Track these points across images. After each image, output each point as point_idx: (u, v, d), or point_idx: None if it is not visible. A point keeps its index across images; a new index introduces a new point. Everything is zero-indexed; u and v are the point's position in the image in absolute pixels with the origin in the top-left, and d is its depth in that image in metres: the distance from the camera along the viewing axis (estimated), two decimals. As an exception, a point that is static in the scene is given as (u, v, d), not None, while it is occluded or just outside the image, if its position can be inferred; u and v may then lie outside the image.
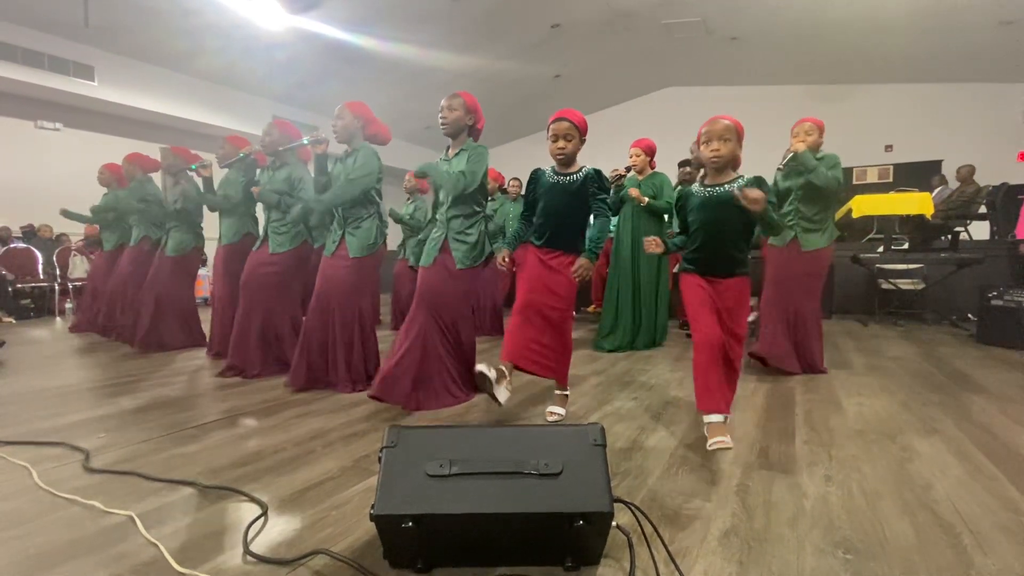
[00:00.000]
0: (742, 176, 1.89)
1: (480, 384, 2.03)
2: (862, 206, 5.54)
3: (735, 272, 1.92)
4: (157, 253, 4.12)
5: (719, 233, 1.88)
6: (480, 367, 2.00)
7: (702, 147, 1.89)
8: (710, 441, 1.72)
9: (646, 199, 3.73)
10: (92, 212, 4.91)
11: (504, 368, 2.06)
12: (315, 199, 2.73)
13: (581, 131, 2.14)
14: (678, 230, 2.11)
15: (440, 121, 2.37)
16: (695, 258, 1.95)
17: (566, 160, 2.17)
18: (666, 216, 3.96)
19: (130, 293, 4.45)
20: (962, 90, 8.34)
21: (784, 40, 7.77)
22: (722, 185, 1.89)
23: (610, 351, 3.79)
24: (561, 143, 2.11)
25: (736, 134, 1.86)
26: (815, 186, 2.92)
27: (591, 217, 2.21)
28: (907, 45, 7.35)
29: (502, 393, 2.03)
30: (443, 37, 7.26)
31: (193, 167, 3.62)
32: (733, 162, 1.90)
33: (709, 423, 1.79)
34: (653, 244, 1.99)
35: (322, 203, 2.68)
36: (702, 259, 1.93)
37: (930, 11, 6.46)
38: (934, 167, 8.27)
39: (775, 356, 3.09)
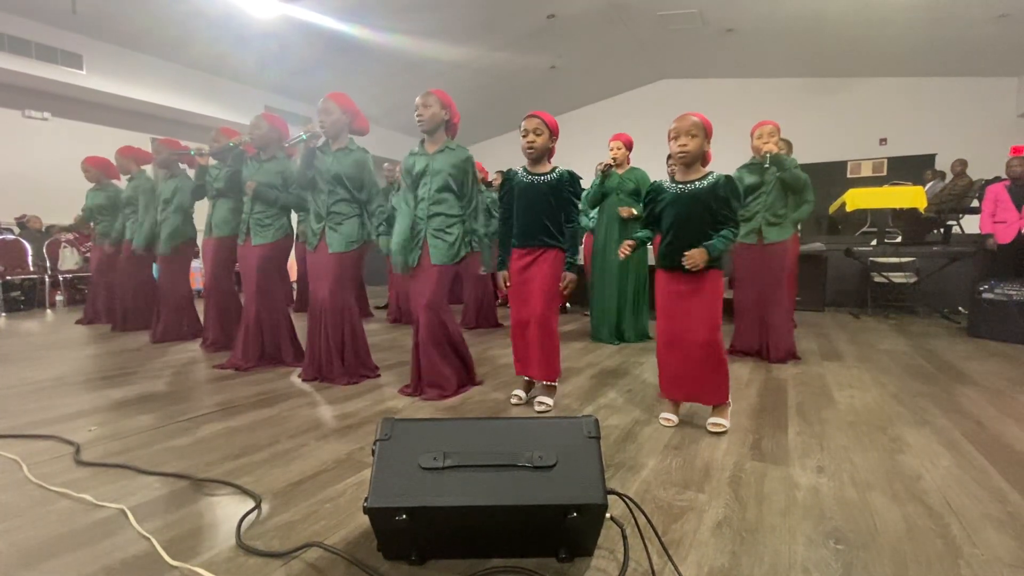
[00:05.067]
0: (712, 172, 1.96)
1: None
2: (856, 199, 5.56)
3: (708, 266, 1.97)
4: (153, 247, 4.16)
5: (691, 229, 1.93)
6: (514, 400, 2.37)
7: (670, 143, 1.94)
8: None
9: (635, 212, 3.72)
10: (86, 212, 4.90)
11: (526, 383, 2.42)
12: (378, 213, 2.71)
13: (551, 128, 2.23)
14: (642, 223, 2.17)
15: (416, 119, 2.37)
16: (668, 254, 2.00)
17: (536, 156, 2.24)
18: None
19: (130, 286, 4.49)
20: (956, 84, 8.36)
21: (780, 32, 7.75)
22: (693, 182, 1.95)
23: (599, 343, 3.83)
24: (531, 137, 2.20)
25: (704, 131, 1.91)
26: (786, 183, 3.11)
27: (564, 218, 2.28)
28: (903, 38, 7.35)
29: (541, 396, 2.31)
30: (438, 27, 7.19)
31: (191, 151, 3.59)
32: (702, 158, 1.96)
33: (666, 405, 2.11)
34: (626, 248, 2.06)
35: (377, 215, 2.71)
36: (671, 255, 1.98)
37: (927, 4, 6.45)
38: (928, 161, 8.30)
39: (751, 349, 3.28)
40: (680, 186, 1.97)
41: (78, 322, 5.07)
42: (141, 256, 4.39)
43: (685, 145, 1.89)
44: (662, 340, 2.05)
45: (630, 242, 2.07)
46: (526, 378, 2.39)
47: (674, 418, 2.05)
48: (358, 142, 2.75)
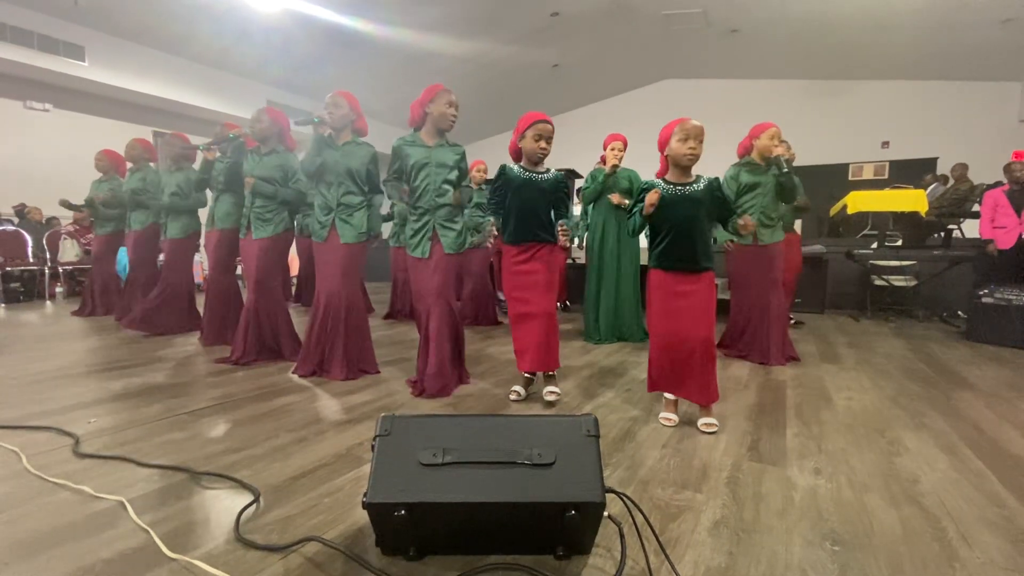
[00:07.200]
0: (701, 176, 2.03)
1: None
2: (857, 202, 5.57)
3: (702, 267, 2.00)
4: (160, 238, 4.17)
5: (686, 230, 1.98)
6: (513, 396, 2.38)
7: (678, 144, 1.97)
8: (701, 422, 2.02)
9: (627, 202, 3.82)
10: (104, 204, 4.88)
11: (525, 379, 2.42)
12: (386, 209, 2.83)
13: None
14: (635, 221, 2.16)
15: (450, 119, 2.45)
16: (663, 254, 2.03)
17: (543, 160, 2.35)
18: None
19: (139, 278, 4.50)
20: (959, 88, 8.35)
21: (784, 34, 7.73)
22: (688, 184, 2.01)
23: (597, 343, 3.82)
24: (543, 143, 2.29)
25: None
26: (784, 189, 3.13)
27: (557, 215, 2.42)
28: (907, 42, 7.34)
29: (549, 386, 2.34)
30: (441, 22, 7.18)
31: (200, 148, 3.64)
32: None
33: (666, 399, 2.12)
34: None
35: (375, 206, 2.80)
36: (670, 255, 2.02)
37: (932, 8, 6.44)
38: (929, 164, 8.30)
39: (745, 349, 3.27)
40: (677, 188, 2.00)
41: (74, 313, 5.06)
42: (151, 248, 4.42)
43: (695, 149, 1.96)
44: (658, 340, 2.06)
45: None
46: (526, 374, 2.40)
47: (674, 417, 2.06)
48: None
